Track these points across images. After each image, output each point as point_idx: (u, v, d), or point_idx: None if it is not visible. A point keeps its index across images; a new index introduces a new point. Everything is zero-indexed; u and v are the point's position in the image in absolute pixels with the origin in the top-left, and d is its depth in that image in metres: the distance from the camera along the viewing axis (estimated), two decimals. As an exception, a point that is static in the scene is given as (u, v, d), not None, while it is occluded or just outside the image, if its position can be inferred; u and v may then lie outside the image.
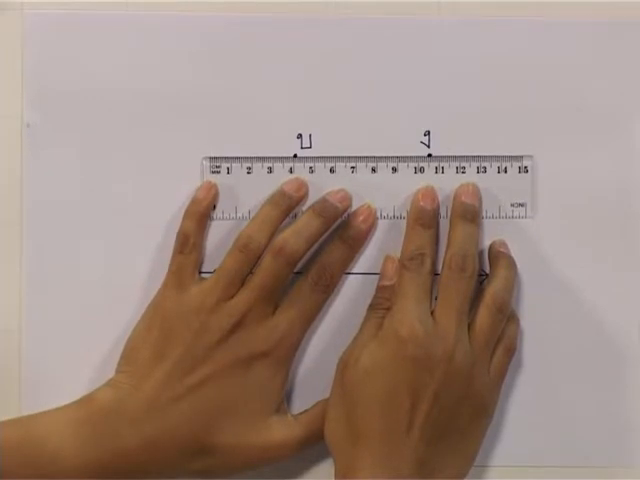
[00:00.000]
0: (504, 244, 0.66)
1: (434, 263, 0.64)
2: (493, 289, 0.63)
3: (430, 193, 0.65)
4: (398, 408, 0.60)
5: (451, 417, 0.61)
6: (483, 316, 0.63)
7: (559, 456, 0.66)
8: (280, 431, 0.63)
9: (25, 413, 0.64)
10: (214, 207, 0.66)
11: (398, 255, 0.65)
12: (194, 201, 0.65)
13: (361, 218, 0.65)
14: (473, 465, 0.63)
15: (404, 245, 0.65)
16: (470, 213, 0.64)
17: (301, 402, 0.65)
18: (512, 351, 0.64)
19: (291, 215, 0.65)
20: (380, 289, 0.65)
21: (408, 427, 0.60)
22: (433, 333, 0.61)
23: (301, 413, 0.65)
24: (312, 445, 0.64)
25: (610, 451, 0.66)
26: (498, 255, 0.65)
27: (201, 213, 0.65)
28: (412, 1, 0.66)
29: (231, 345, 0.63)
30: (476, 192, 0.65)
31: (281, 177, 0.66)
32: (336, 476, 0.61)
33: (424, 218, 0.64)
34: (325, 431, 0.62)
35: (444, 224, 0.65)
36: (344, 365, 0.62)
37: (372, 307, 0.65)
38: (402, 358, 0.60)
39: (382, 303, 0.64)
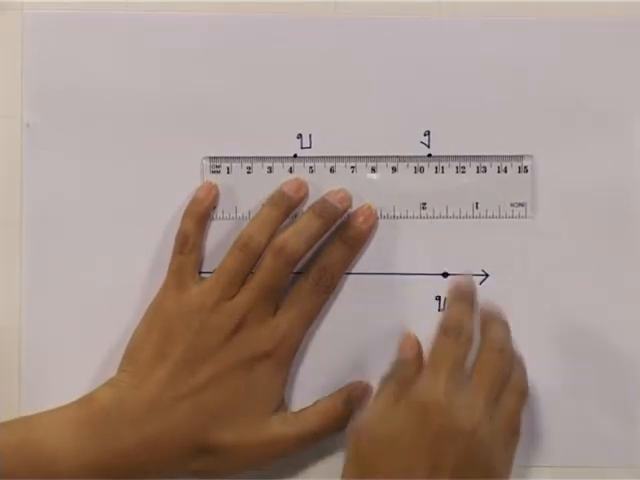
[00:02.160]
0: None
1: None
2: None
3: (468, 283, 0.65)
4: (417, 472, 0.58)
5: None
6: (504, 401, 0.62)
7: (560, 456, 0.66)
8: (280, 428, 0.63)
9: (25, 413, 0.64)
10: (214, 207, 0.66)
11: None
12: (194, 201, 0.65)
13: (361, 219, 0.65)
14: None
15: (445, 314, 0.63)
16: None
17: (301, 401, 0.65)
18: (518, 430, 0.63)
19: (291, 215, 0.65)
20: (399, 362, 0.62)
21: None
22: (459, 405, 0.59)
23: (301, 410, 0.65)
24: (311, 443, 0.64)
25: (612, 451, 0.66)
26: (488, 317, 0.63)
27: (201, 213, 0.65)
28: (412, 1, 0.66)
29: (233, 346, 0.63)
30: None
31: (281, 177, 0.66)
32: None
33: (465, 295, 0.63)
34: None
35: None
36: (360, 431, 0.60)
37: (391, 378, 0.62)
38: (424, 428, 0.58)
39: (403, 378, 0.61)
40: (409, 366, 0.61)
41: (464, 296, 0.63)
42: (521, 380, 0.63)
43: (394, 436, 0.59)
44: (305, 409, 0.65)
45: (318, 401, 0.65)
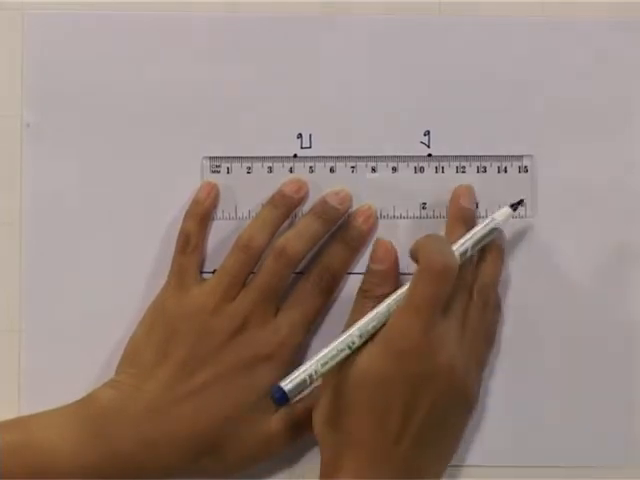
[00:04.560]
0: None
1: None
2: (480, 285, 0.63)
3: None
4: (391, 419, 0.59)
5: (443, 422, 0.61)
6: (472, 314, 0.62)
7: (563, 456, 0.66)
8: (280, 427, 0.63)
9: (25, 413, 0.64)
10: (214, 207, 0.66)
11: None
12: (195, 202, 0.65)
13: (362, 219, 0.65)
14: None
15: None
16: (468, 217, 0.64)
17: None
18: (492, 340, 0.64)
19: (292, 215, 0.65)
20: (371, 273, 0.64)
21: (398, 437, 0.59)
22: (436, 345, 0.59)
23: (296, 402, 0.64)
24: (308, 436, 0.63)
25: (614, 450, 0.66)
26: (488, 246, 0.64)
27: (203, 214, 0.65)
28: (412, 1, 0.66)
29: (234, 348, 0.63)
30: (472, 194, 0.65)
31: (281, 177, 0.66)
32: (321, 467, 0.61)
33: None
34: (314, 417, 0.62)
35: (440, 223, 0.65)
36: (338, 371, 0.61)
37: (363, 292, 0.64)
38: (403, 371, 0.59)
39: (373, 289, 0.63)
40: (378, 278, 0.63)
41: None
42: (484, 291, 0.63)
43: (373, 374, 0.59)
44: (301, 400, 0.63)
45: (312, 391, 0.63)
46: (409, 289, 0.60)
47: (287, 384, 0.59)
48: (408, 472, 0.60)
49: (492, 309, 0.64)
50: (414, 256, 0.61)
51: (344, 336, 0.60)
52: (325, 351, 0.60)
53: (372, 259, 0.64)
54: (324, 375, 0.60)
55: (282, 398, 0.59)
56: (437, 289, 0.59)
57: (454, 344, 0.60)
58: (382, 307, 0.61)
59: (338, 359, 0.60)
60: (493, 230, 0.63)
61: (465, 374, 0.61)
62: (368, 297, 0.63)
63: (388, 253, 0.64)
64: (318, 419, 0.61)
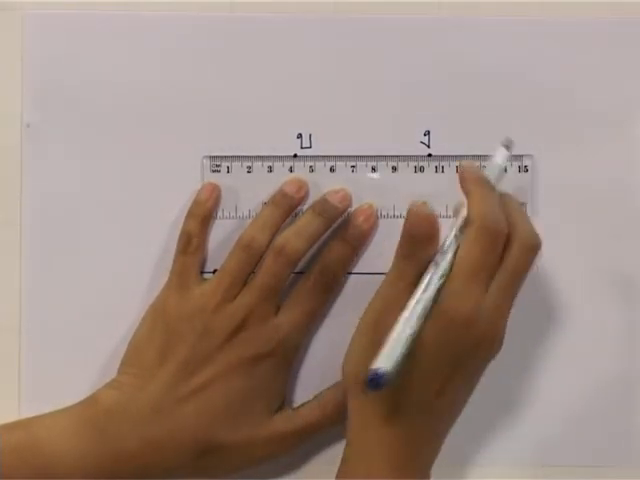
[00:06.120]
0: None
1: None
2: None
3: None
4: (436, 378, 0.58)
5: (476, 378, 0.60)
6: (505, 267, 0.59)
7: (563, 456, 0.66)
8: (282, 426, 0.63)
9: (24, 413, 0.64)
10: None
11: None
12: (197, 202, 0.65)
13: (362, 218, 0.65)
14: None
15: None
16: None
17: (302, 400, 0.65)
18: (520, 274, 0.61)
19: (292, 214, 0.65)
20: (410, 237, 0.60)
21: (438, 394, 0.59)
22: (485, 317, 0.58)
23: (301, 405, 0.65)
24: (313, 435, 0.64)
25: (616, 451, 0.66)
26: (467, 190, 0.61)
27: (204, 214, 0.65)
28: (412, 1, 0.66)
29: (234, 346, 0.63)
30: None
31: (281, 176, 0.66)
32: (352, 427, 0.60)
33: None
34: (344, 370, 0.61)
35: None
36: (383, 309, 0.60)
37: (403, 256, 0.60)
38: (458, 337, 0.58)
39: (414, 254, 0.60)
40: (423, 247, 0.60)
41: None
42: (525, 234, 0.60)
43: (427, 342, 0.58)
44: (306, 403, 0.65)
45: (318, 394, 0.65)
46: (466, 253, 0.58)
47: (384, 365, 0.55)
48: (440, 421, 0.60)
49: (526, 253, 0.60)
50: (466, 192, 0.59)
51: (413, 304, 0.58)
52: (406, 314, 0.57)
53: (410, 224, 0.60)
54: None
55: (382, 377, 0.55)
56: (492, 253, 0.58)
57: (502, 321, 0.59)
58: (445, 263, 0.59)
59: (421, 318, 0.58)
60: (501, 174, 0.62)
61: (502, 334, 0.59)
62: (410, 260, 0.60)
63: (427, 217, 0.60)
64: (352, 362, 0.61)
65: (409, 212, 0.60)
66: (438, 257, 0.59)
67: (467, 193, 0.60)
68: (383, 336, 0.57)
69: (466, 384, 0.60)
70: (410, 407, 0.59)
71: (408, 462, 0.59)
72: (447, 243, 0.59)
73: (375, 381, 0.54)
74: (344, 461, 0.60)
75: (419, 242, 0.60)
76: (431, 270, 0.59)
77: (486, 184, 0.61)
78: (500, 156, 0.63)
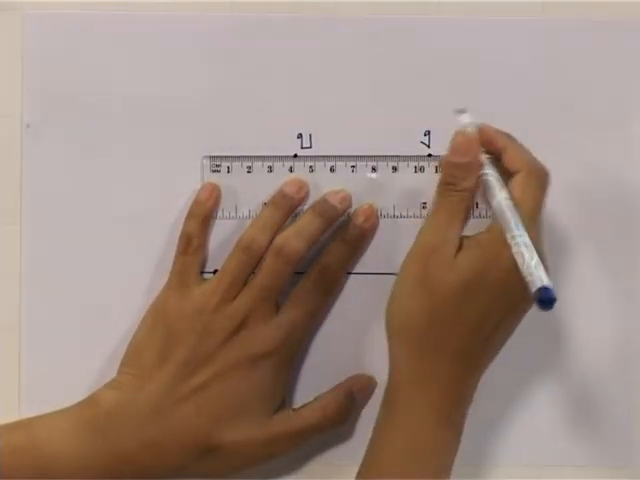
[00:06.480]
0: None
1: None
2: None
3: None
4: (486, 327, 0.59)
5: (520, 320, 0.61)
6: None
7: (564, 456, 0.66)
8: (282, 426, 0.63)
9: (24, 414, 0.64)
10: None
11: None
12: (197, 203, 0.65)
13: (363, 218, 0.65)
14: None
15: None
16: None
17: (303, 400, 0.65)
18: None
19: (292, 215, 0.65)
20: (453, 166, 0.60)
21: (487, 339, 0.59)
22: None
23: (302, 406, 0.65)
24: (313, 437, 0.64)
25: (617, 451, 0.66)
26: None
27: (204, 215, 0.65)
28: (412, 1, 0.66)
29: (234, 346, 0.63)
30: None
31: (281, 176, 0.66)
32: (395, 375, 0.60)
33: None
34: (390, 315, 0.60)
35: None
36: (432, 250, 0.59)
37: (446, 185, 0.60)
38: (504, 283, 0.58)
39: (457, 183, 0.60)
40: (462, 172, 0.60)
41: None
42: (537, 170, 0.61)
43: (475, 281, 0.58)
44: (307, 404, 0.65)
45: (319, 395, 0.65)
46: (520, 196, 0.59)
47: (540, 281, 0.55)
48: (481, 367, 0.60)
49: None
50: (503, 152, 0.60)
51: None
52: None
53: (453, 151, 0.61)
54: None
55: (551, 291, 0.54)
56: (543, 196, 0.60)
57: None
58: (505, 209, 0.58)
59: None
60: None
61: None
62: (454, 190, 0.60)
63: (472, 144, 0.61)
64: (398, 313, 0.60)
65: (454, 137, 0.61)
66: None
67: (504, 147, 0.60)
68: (435, 275, 0.58)
69: (511, 329, 0.60)
70: (464, 343, 0.59)
71: (452, 411, 0.59)
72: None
73: (547, 297, 0.54)
74: (387, 408, 0.60)
75: (460, 169, 0.60)
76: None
77: (511, 136, 0.62)
78: (463, 119, 0.62)
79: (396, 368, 0.60)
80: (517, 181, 0.60)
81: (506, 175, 0.61)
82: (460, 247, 0.59)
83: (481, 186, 0.60)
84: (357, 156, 0.66)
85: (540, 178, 0.60)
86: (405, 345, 0.60)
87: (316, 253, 0.65)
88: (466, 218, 0.60)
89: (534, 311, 0.65)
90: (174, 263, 0.65)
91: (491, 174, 0.60)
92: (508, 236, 0.57)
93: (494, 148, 0.61)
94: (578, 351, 0.66)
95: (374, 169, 0.66)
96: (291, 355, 0.64)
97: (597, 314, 0.66)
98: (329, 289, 0.65)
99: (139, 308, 0.65)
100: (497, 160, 0.61)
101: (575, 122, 0.66)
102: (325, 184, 0.66)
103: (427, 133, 0.66)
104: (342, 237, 0.65)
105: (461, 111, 0.62)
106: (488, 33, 0.66)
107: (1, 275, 0.66)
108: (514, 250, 0.56)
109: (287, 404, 0.65)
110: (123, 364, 0.64)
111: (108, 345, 0.66)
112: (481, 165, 0.60)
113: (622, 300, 0.66)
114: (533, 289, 0.54)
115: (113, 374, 0.64)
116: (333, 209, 0.65)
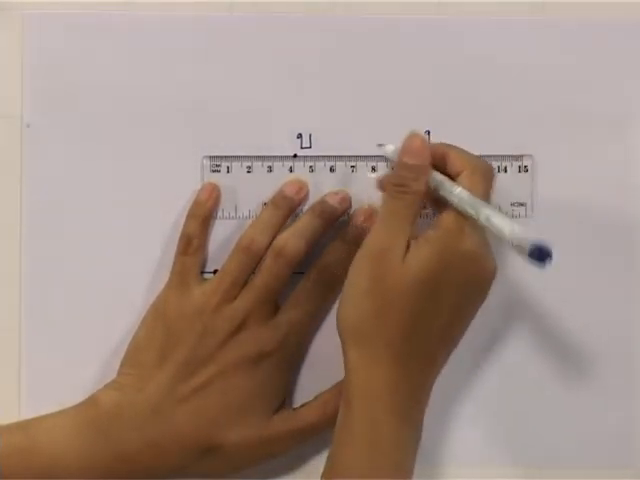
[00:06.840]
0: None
1: None
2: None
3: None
4: (442, 323, 0.59)
5: (471, 317, 0.61)
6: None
7: (565, 456, 0.66)
8: (282, 426, 0.63)
9: (24, 414, 0.64)
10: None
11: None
12: (197, 203, 0.65)
13: (363, 218, 0.65)
14: None
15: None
16: None
17: (303, 400, 0.65)
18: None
19: (292, 215, 0.65)
20: (405, 167, 0.60)
21: (442, 338, 0.59)
22: (487, 252, 0.59)
23: (301, 405, 0.65)
24: (313, 436, 0.64)
25: (617, 452, 0.66)
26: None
27: (205, 215, 0.65)
28: (412, 1, 0.66)
29: (234, 347, 0.63)
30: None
31: (281, 176, 0.66)
32: (350, 368, 0.60)
33: None
34: (342, 318, 0.60)
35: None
36: (382, 252, 0.59)
37: (396, 187, 0.60)
38: (459, 273, 0.58)
39: (408, 184, 0.60)
40: (414, 173, 0.60)
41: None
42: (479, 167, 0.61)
43: (427, 277, 0.58)
44: (306, 404, 0.65)
45: (319, 395, 0.65)
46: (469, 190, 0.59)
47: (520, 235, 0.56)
48: (439, 361, 0.60)
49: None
50: (451, 161, 0.60)
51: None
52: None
53: (406, 152, 0.60)
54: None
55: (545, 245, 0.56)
56: (490, 189, 0.60)
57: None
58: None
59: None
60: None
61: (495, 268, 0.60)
62: (404, 192, 0.60)
63: (424, 147, 0.60)
64: (347, 313, 0.60)
65: (407, 138, 0.60)
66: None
67: (445, 153, 0.60)
68: (385, 276, 0.58)
69: (469, 322, 0.60)
70: (417, 343, 0.59)
71: (409, 409, 0.59)
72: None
73: (543, 251, 0.56)
74: (345, 407, 0.59)
75: (412, 171, 0.60)
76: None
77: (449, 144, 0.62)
78: (388, 148, 0.63)
79: (350, 368, 0.60)
80: (463, 179, 0.59)
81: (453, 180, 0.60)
82: (408, 248, 0.59)
83: (431, 190, 0.60)
84: (357, 156, 0.66)
85: (485, 172, 0.60)
86: (358, 347, 0.59)
87: (316, 253, 0.65)
88: (415, 221, 0.60)
89: (532, 311, 0.66)
90: (174, 263, 0.65)
91: (441, 176, 0.60)
92: (482, 217, 0.58)
93: (436, 156, 0.60)
94: (578, 351, 0.66)
95: (374, 169, 0.66)
96: (291, 355, 0.64)
97: (596, 314, 0.66)
98: (329, 289, 0.65)
99: (139, 308, 0.65)
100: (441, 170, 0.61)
101: (575, 122, 0.66)
102: (325, 184, 0.66)
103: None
104: (342, 237, 0.65)
105: (382, 145, 0.63)
106: (488, 33, 0.66)
107: (1, 275, 0.66)
108: (493, 228, 0.57)
109: (287, 404, 0.65)
110: (123, 364, 0.64)
111: (108, 345, 0.66)
112: (430, 169, 0.60)
113: (622, 300, 0.66)
114: (528, 249, 0.56)
115: (113, 374, 0.64)
116: (333, 210, 0.65)
